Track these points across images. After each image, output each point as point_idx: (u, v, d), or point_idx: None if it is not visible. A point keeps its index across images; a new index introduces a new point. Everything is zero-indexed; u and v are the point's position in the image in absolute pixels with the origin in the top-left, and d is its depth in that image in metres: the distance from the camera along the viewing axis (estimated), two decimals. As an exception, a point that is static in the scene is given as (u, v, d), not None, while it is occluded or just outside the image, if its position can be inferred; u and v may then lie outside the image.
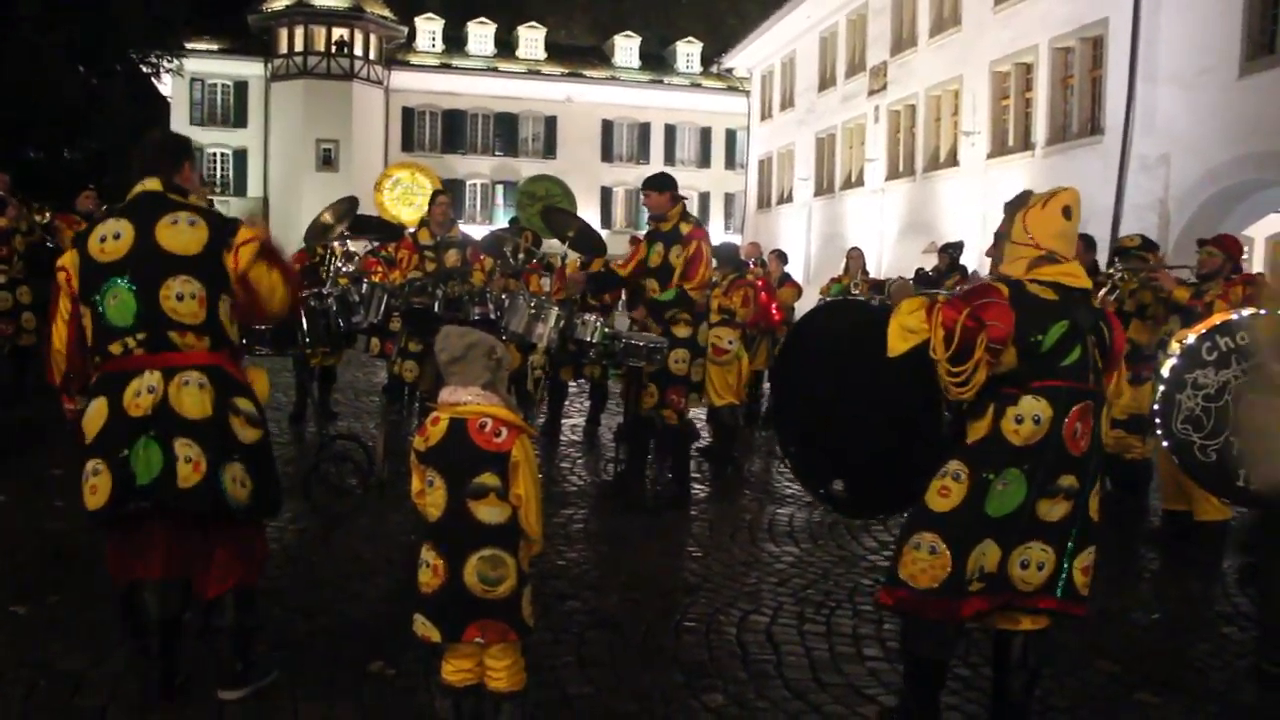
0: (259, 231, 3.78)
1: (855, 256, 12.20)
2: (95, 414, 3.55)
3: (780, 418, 4.39)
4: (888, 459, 3.84)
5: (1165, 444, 5.38)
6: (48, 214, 9.92)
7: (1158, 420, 5.31)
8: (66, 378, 3.77)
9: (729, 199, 45.27)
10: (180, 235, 3.59)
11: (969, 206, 21.88)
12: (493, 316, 6.63)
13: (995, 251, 3.65)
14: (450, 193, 10.13)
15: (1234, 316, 5.29)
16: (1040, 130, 20.49)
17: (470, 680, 3.30)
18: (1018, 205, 3.58)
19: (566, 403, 10.40)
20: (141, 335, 3.54)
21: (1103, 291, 6.82)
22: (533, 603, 3.31)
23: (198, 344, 3.59)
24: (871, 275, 13.68)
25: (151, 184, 3.73)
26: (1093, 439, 3.45)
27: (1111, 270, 7.29)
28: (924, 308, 3.37)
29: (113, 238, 3.59)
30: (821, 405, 4.02)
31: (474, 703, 3.30)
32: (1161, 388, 5.29)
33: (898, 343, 3.39)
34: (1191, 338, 5.30)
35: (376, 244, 10.61)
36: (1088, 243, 8.03)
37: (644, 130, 45.95)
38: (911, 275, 13.63)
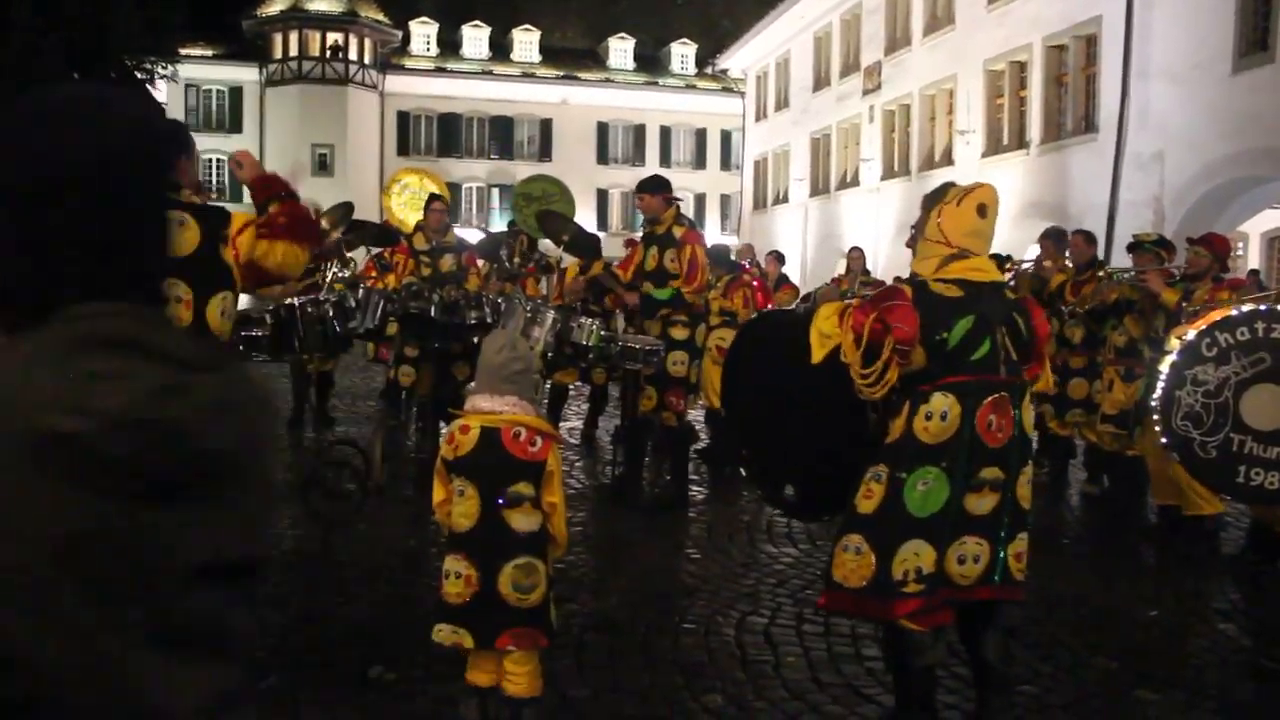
0: (255, 216, 3.70)
1: (855, 257, 12.22)
2: None
3: (731, 429, 4.43)
4: (830, 461, 3.87)
5: (1164, 440, 5.39)
6: None
7: (1157, 417, 5.32)
8: None
9: (725, 200, 45.23)
10: None
11: (965, 205, 21.88)
12: (489, 321, 6.64)
13: (911, 247, 3.71)
14: (446, 198, 10.12)
15: (1234, 312, 5.30)
16: (1035, 128, 20.49)
17: (490, 682, 3.32)
18: (934, 200, 3.60)
19: (565, 405, 10.41)
20: None
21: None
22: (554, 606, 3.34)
23: None
24: (872, 275, 13.69)
25: None
26: (1015, 429, 3.43)
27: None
28: (837, 313, 3.45)
29: None
30: (766, 413, 4.07)
31: (492, 705, 3.32)
32: (1161, 384, 5.30)
33: (817, 349, 3.47)
34: (1191, 334, 5.31)
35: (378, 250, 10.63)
36: (1087, 237, 8.07)
37: (639, 132, 45.92)
38: (907, 275, 13.61)
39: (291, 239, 3.72)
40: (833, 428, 3.84)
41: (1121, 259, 8.27)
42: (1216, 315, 5.40)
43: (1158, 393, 5.36)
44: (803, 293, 12.34)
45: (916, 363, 3.37)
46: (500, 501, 3.20)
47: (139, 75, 22.16)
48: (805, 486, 4.01)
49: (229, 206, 3.90)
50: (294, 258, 3.74)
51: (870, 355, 3.33)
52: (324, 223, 6.58)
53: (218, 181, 41.51)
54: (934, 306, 3.38)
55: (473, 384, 3.54)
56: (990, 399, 3.37)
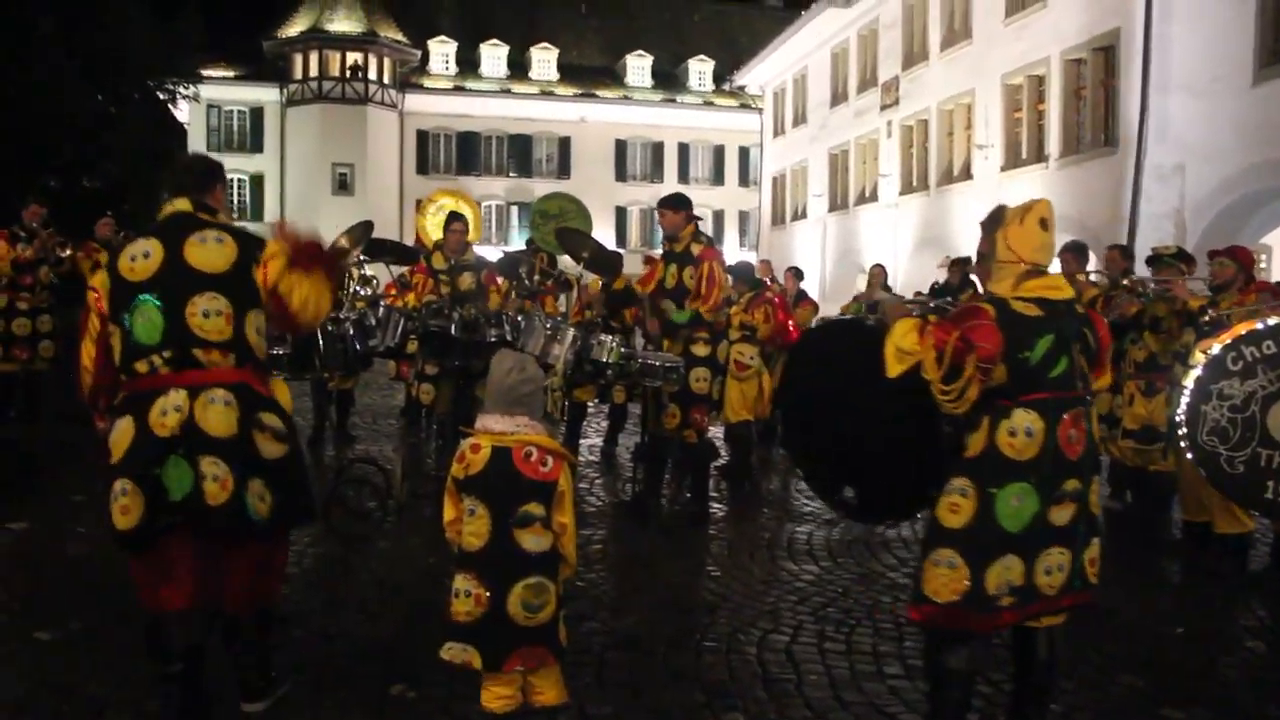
0: (285, 245, 3.78)
1: (876, 274, 12.18)
2: (122, 433, 3.57)
3: (788, 432, 4.53)
4: (893, 467, 3.94)
5: (1191, 456, 5.33)
6: (69, 249, 10.12)
7: (1183, 432, 5.27)
8: (94, 395, 3.81)
9: (743, 216, 45.27)
10: (208, 252, 3.64)
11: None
12: (509, 338, 6.64)
13: (980, 270, 3.78)
14: (468, 219, 10.15)
15: (1259, 325, 5.24)
16: (1053, 142, 20.43)
17: (512, 706, 3.31)
18: (995, 223, 3.68)
19: (584, 423, 10.40)
20: (168, 353, 3.57)
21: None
22: (564, 624, 3.33)
23: (223, 361, 3.62)
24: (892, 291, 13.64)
25: (181, 204, 3.80)
26: (1087, 440, 3.55)
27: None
28: (916, 329, 3.49)
29: (142, 256, 3.65)
30: (826, 418, 4.13)
31: None
32: (1186, 399, 5.25)
33: (894, 364, 3.52)
34: (1216, 348, 5.25)
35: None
36: (1123, 252, 8.08)
37: (658, 149, 46.04)
38: (927, 290, 13.60)
39: (319, 283, 3.77)
40: (898, 436, 3.88)
41: (1142, 273, 8.22)
42: (1242, 329, 5.33)
43: (1182, 408, 5.31)
44: (822, 310, 12.32)
45: (997, 379, 3.44)
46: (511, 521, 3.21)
47: (161, 96, 22.37)
48: (864, 490, 4.05)
49: (249, 226, 3.98)
50: (315, 300, 3.77)
51: (950, 372, 3.40)
52: (343, 240, 6.60)
53: (239, 201, 41.88)
54: (1016, 325, 3.45)
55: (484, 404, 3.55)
56: (1069, 414, 3.48)
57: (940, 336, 3.40)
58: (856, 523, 6.18)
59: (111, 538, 3.59)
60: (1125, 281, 7.43)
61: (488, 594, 3.21)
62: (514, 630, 3.21)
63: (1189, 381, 5.29)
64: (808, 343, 4.55)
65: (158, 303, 3.58)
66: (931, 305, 4.65)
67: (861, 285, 15.22)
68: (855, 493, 4.03)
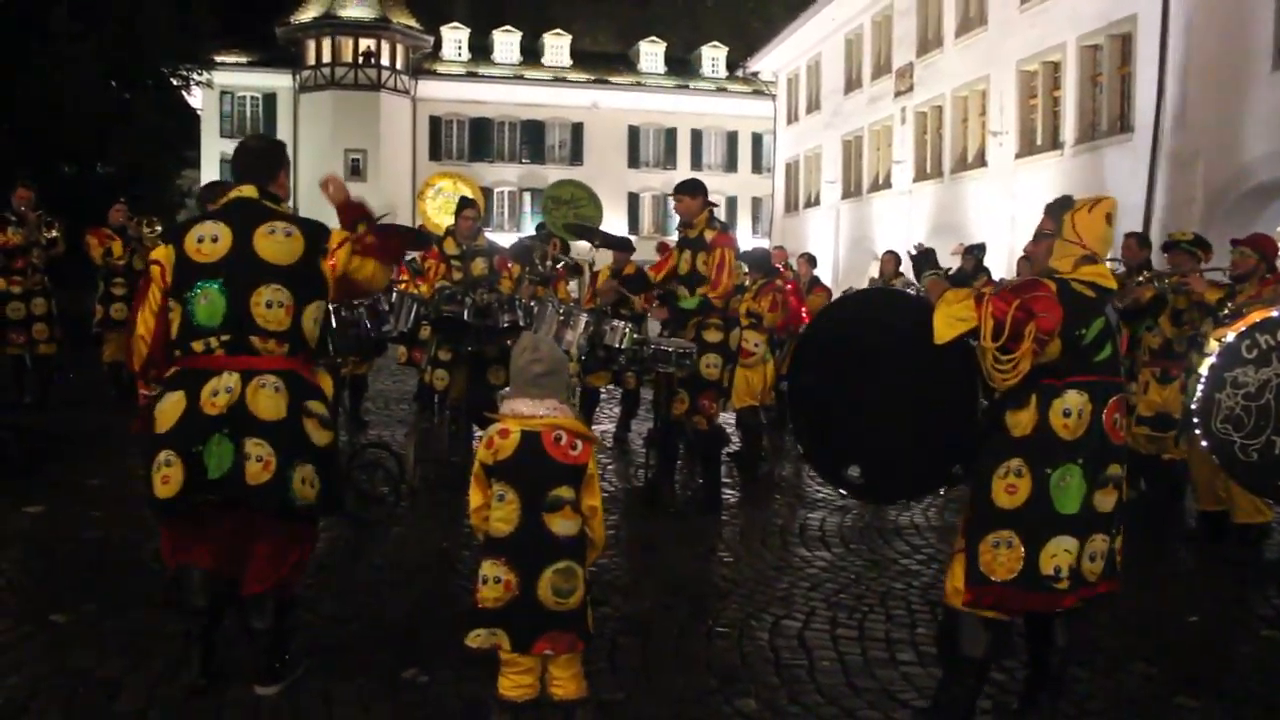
0: (348, 231, 3.96)
1: (889, 260, 12.12)
2: (171, 407, 3.64)
3: (795, 402, 4.43)
4: (911, 443, 3.89)
5: (1205, 444, 5.30)
6: (55, 229, 10.11)
7: (1196, 420, 5.24)
8: (146, 366, 3.85)
9: (756, 203, 45.14)
10: (278, 245, 3.73)
11: (998, 207, 21.72)
12: (521, 324, 6.65)
13: (1036, 249, 3.79)
14: (479, 203, 10.16)
15: (1274, 313, 5.20)
16: (1069, 129, 20.30)
17: (530, 694, 3.31)
18: (1064, 207, 3.73)
19: (597, 409, 10.41)
20: (226, 336, 3.66)
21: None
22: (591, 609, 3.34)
23: (277, 350, 3.71)
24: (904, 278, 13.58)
25: (248, 190, 3.88)
26: (1125, 429, 3.65)
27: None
28: (972, 297, 3.53)
29: (210, 240, 3.72)
30: (841, 390, 4.03)
31: (533, 716, 3.31)
32: (1201, 387, 5.22)
33: (945, 330, 3.53)
34: (1231, 335, 5.22)
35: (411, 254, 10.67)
36: (1140, 240, 8.03)
37: (670, 135, 45.91)
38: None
39: (380, 258, 3.97)
40: (924, 409, 3.83)
41: (1158, 261, 8.16)
42: (1256, 316, 5.30)
43: (1197, 395, 5.28)
44: (835, 295, 12.27)
45: (1050, 355, 3.47)
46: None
47: (174, 82, 22.38)
48: (872, 469, 3.98)
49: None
50: (382, 274, 4.04)
51: (1006, 344, 3.44)
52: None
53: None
54: (1075, 302, 3.49)
55: (507, 389, 3.55)
56: (1115, 399, 3.55)
57: (1000, 305, 3.43)
58: (861, 502, 6.13)
59: (148, 504, 3.71)
60: (1140, 278, 7.37)
61: (517, 579, 3.22)
62: (544, 614, 3.22)
63: (1203, 369, 5.27)
64: (831, 312, 4.43)
65: (224, 289, 3.66)
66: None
67: (874, 272, 15.17)
68: (861, 471, 3.98)
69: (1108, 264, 3.78)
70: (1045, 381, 3.49)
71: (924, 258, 4.13)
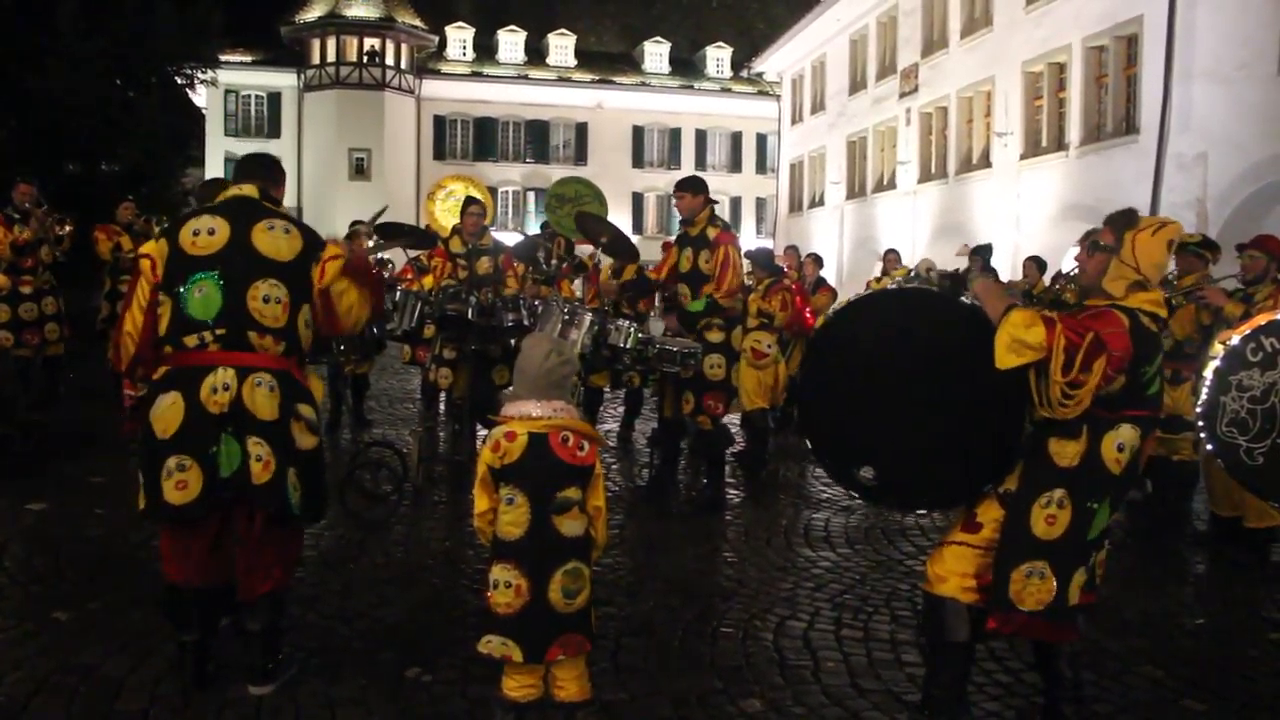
0: (345, 249, 3.93)
1: (891, 259, 12.11)
2: (170, 409, 3.58)
3: (808, 397, 4.20)
4: (941, 455, 3.66)
5: (1210, 448, 5.28)
6: (67, 225, 10.03)
7: (1201, 424, 5.22)
8: (133, 364, 3.81)
9: (760, 203, 45.14)
10: (276, 240, 3.71)
11: (1002, 208, 21.70)
12: (526, 323, 6.63)
13: (1089, 261, 3.59)
14: (485, 203, 10.15)
15: (1279, 316, 5.19)
16: (1074, 130, 20.26)
17: (533, 695, 3.29)
18: (1127, 223, 3.54)
19: (601, 408, 10.39)
20: (220, 331, 3.61)
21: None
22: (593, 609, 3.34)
23: (273, 347, 3.67)
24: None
25: (248, 189, 3.87)
26: None
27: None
28: (1041, 322, 3.29)
29: (206, 233, 3.69)
30: (861, 389, 3.78)
31: (537, 716, 3.30)
32: (1205, 391, 5.19)
33: (1009, 357, 3.30)
34: (1235, 339, 5.20)
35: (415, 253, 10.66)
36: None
37: (675, 135, 45.91)
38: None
39: (365, 296, 3.94)
40: (959, 424, 3.62)
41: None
42: (1262, 319, 5.28)
43: (1202, 398, 5.26)
44: (840, 296, 12.25)
45: (1112, 389, 3.37)
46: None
47: (179, 81, 22.38)
48: (887, 472, 3.76)
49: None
50: (359, 309, 3.94)
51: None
52: (364, 238, 6.62)
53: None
54: (1144, 339, 3.39)
55: (510, 389, 3.52)
56: (1152, 435, 3.52)
57: (1074, 338, 3.26)
58: (868, 503, 6.06)
59: (157, 514, 3.64)
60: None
61: (528, 583, 3.20)
62: (555, 618, 3.20)
63: (1208, 373, 5.24)
64: (861, 306, 4.04)
65: (219, 281, 3.62)
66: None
67: (878, 272, 15.14)
68: (875, 474, 3.75)
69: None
70: (1100, 414, 3.37)
71: (980, 254, 4.00)
